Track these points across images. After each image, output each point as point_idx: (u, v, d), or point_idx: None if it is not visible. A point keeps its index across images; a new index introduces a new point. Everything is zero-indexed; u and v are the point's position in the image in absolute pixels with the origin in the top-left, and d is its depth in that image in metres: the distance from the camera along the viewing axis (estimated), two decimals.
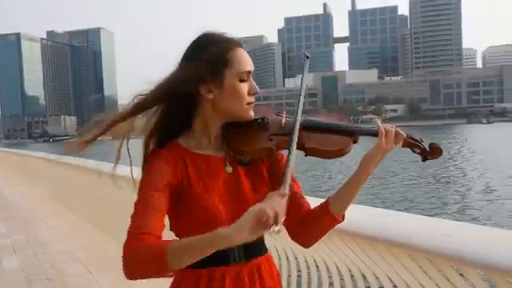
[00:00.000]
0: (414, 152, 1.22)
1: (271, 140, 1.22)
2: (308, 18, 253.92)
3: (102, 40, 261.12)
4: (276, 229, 1.01)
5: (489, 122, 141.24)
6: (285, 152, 1.27)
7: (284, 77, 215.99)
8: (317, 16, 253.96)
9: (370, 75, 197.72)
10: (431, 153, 1.21)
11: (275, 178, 1.31)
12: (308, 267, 2.39)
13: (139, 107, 1.24)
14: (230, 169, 1.28)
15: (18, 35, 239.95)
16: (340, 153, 1.22)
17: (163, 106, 1.27)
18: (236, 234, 1.02)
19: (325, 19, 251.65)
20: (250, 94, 1.25)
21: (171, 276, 1.12)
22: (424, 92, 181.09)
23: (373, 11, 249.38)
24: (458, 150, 42.57)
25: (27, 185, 12.06)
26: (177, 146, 1.27)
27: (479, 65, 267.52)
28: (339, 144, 1.21)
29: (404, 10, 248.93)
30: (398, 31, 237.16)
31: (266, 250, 1.35)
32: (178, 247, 1.07)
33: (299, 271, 2.42)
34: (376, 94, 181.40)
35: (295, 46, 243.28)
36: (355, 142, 1.24)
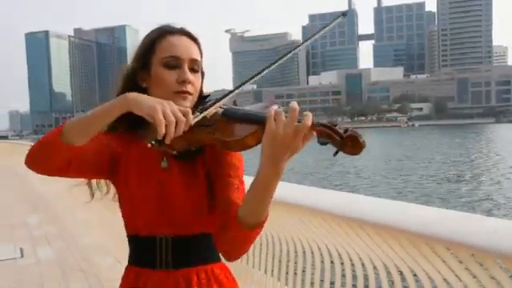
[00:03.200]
0: (323, 144, 0.93)
1: (191, 131, 1.08)
2: (332, 14, 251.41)
3: (127, 37, 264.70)
4: (150, 143, 1.01)
5: None
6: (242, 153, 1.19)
7: (308, 74, 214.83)
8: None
9: (396, 73, 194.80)
10: (346, 145, 0.91)
11: (216, 177, 1.21)
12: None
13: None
14: (165, 164, 1.21)
15: (46, 33, 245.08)
16: (242, 144, 1.04)
17: None
18: (134, 103, 1.03)
19: (350, 16, 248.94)
20: (178, 81, 1.17)
21: (69, 151, 1.08)
22: (451, 90, 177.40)
23: (399, 8, 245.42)
24: (478, 149, 41.81)
25: (56, 177, 12.27)
26: (131, 133, 1.25)
27: (510, 62, 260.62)
28: (241, 133, 1.04)
29: (431, 6, 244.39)
30: (424, 28, 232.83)
31: (207, 261, 1.23)
32: (78, 117, 1.08)
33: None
34: (401, 92, 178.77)
35: (319, 43, 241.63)
36: None
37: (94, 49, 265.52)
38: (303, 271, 2.48)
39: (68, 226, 6.70)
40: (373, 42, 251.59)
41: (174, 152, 1.16)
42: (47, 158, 1.10)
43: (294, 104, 0.93)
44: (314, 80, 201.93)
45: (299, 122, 0.94)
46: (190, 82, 1.18)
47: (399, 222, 1.74)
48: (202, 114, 1.06)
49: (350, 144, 0.92)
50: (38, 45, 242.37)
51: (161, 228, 1.19)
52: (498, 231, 1.51)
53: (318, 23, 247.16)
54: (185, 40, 1.21)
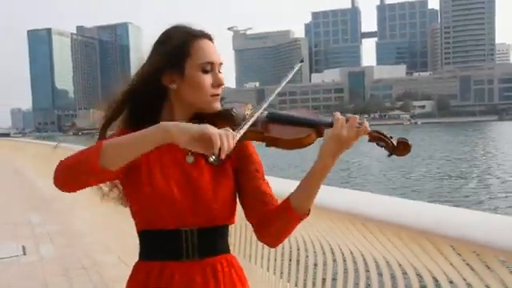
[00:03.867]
0: (380, 146, 1.18)
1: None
2: (335, 12, 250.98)
3: (130, 34, 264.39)
4: (212, 158, 1.02)
5: None
6: (255, 143, 1.31)
7: (310, 72, 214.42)
8: (344, 10, 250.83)
9: (398, 71, 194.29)
10: (398, 149, 1.17)
11: (243, 173, 1.30)
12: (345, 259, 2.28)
13: (119, 104, 1.27)
14: (190, 159, 1.25)
15: (49, 30, 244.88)
16: (298, 143, 1.20)
17: (131, 98, 1.27)
18: (177, 131, 1.04)
19: (353, 14, 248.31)
20: (214, 85, 1.24)
21: (106, 175, 1.11)
22: (454, 88, 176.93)
23: (402, 5, 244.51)
24: (472, 148, 41.78)
25: None
26: None
27: None
28: (297, 134, 1.20)
29: (434, 4, 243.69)
30: (427, 26, 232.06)
31: (225, 251, 1.30)
32: (116, 139, 1.09)
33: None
34: (404, 89, 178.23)
35: (322, 41, 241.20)
36: (320, 135, 1.21)
37: (97, 46, 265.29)
38: (305, 271, 2.48)
39: (70, 224, 6.72)
40: (376, 39, 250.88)
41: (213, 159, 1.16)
42: (81, 180, 1.10)
43: (354, 115, 1.17)
44: (316, 78, 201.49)
45: (358, 126, 1.15)
46: (222, 85, 1.27)
47: (401, 219, 1.76)
48: (245, 128, 1.14)
49: (402, 148, 1.17)
50: (40, 42, 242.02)
51: (187, 221, 1.22)
52: (499, 228, 1.54)
53: (321, 21, 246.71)
54: (210, 44, 1.27)
